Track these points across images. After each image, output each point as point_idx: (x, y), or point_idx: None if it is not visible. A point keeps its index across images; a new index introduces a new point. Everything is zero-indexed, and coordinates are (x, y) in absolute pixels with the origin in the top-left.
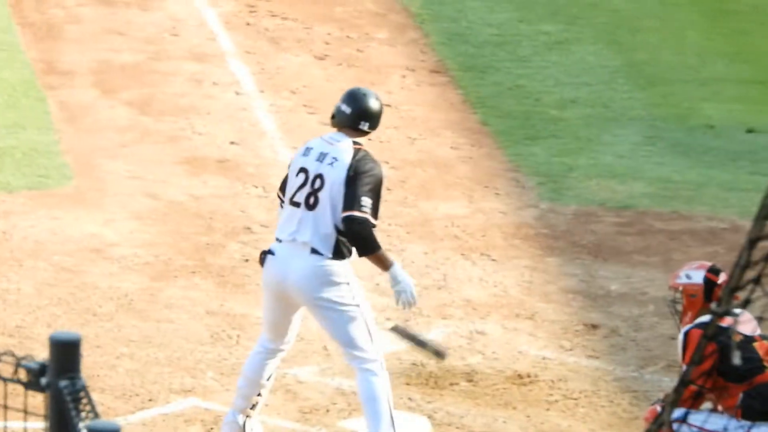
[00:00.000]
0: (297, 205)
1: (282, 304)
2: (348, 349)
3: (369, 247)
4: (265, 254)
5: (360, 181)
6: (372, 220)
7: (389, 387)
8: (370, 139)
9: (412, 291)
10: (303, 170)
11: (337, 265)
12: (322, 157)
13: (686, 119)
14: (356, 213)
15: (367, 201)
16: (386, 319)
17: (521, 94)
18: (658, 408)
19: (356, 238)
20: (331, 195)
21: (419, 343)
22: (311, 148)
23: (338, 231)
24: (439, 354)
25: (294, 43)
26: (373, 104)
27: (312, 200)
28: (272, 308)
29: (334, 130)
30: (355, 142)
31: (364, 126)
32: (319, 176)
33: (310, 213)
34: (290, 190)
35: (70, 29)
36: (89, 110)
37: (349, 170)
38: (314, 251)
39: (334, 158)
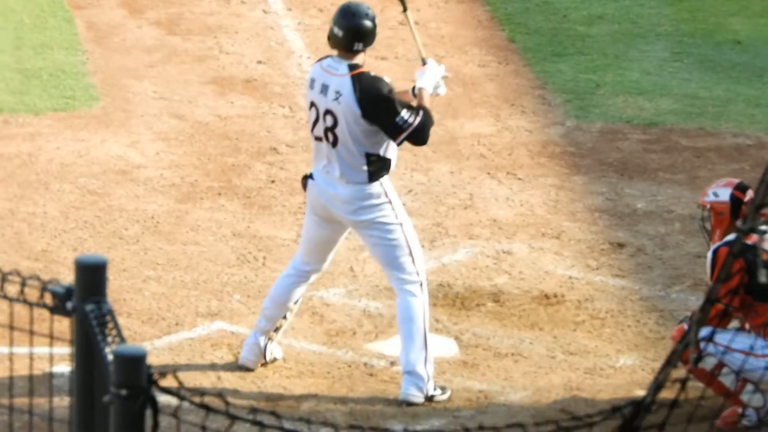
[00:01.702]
0: (319, 139)
1: (329, 225)
2: (389, 269)
3: (428, 136)
4: (306, 179)
5: (382, 106)
6: (418, 122)
7: (427, 309)
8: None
9: (441, 75)
10: (313, 104)
11: (376, 186)
12: (324, 89)
13: (713, 35)
14: (405, 133)
15: (404, 115)
16: None
17: (549, 10)
18: (686, 327)
19: (423, 142)
20: (350, 131)
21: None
22: (314, 79)
23: (368, 156)
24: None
25: None
26: (364, 22)
27: (331, 137)
28: (318, 230)
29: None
30: (351, 66)
31: (359, 46)
32: (329, 112)
33: (334, 150)
34: (309, 123)
35: None
36: (117, 30)
37: (360, 104)
38: (349, 182)
39: (337, 92)
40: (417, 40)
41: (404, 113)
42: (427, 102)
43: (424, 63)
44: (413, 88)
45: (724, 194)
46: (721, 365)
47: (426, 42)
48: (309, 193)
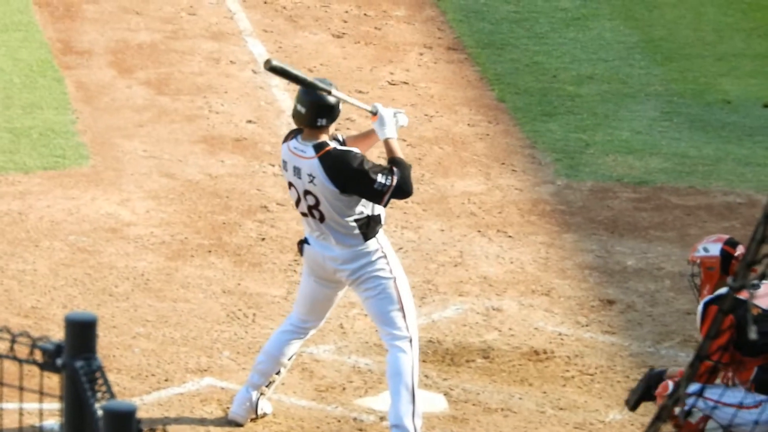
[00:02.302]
0: (305, 215)
1: (329, 284)
2: (381, 324)
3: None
4: (301, 243)
5: (356, 180)
6: (396, 181)
7: (416, 365)
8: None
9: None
10: (291, 185)
11: (372, 244)
12: (298, 172)
13: (703, 95)
14: (387, 195)
15: (380, 180)
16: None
17: (538, 70)
18: (670, 384)
19: (408, 194)
20: (333, 207)
21: (298, 79)
22: (286, 162)
23: (357, 221)
24: (323, 88)
25: (311, 21)
26: (326, 97)
27: (317, 214)
28: (317, 290)
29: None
30: (317, 147)
31: (322, 122)
32: (309, 193)
33: (322, 224)
34: (293, 201)
35: (87, 9)
36: (106, 90)
37: (334, 183)
38: (345, 245)
39: (310, 176)
40: (354, 102)
41: (380, 178)
42: (397, 151)
43: (374, 114)
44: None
45: (714, 249)
46: (705, 418)
47: (415, 102)
48: (306, 257)
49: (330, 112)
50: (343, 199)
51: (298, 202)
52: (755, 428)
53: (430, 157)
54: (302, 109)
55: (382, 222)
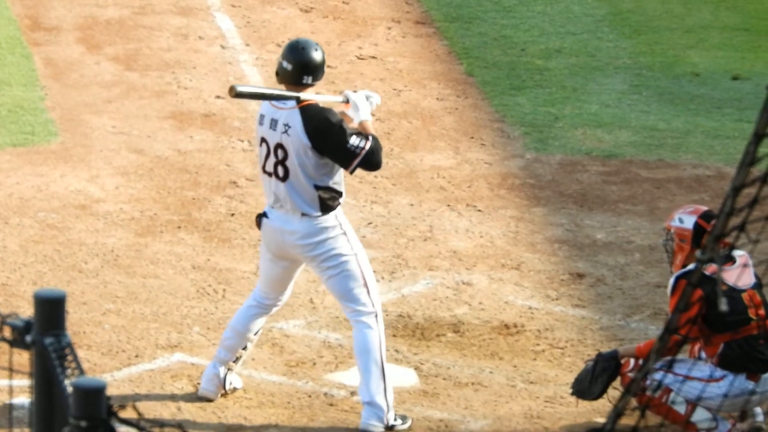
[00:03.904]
0: (269, 174)
1: (283, 262)
2: (345, 302)
3: (381, 160)
4: (260, 217)
5: (331, 136)
6: (369, 146)
7: (383, 340)
8: (355, 89)
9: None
10: (263, 140)
11: (330, 219)
12: (274, 124)
13: (672, 67)
14: (358, 158)
15: (354, 141)
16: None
17: (506, 44)
18: (631, 360)
19: (377, 166)
20: (301, 163)
21: (265, 96)
22: (264, 115)
23: (318, 188)
24: (292, 97)
25: None
26: (314, 56)
27: (282, 171)
28: (272, 267)
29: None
30: (299, 99)
31: (308, 80)
32: (280, 146)
33: (284, 183)
34: (259, 159)
35: None
36: (75, 66)
37: (309, 136)
38: (304, 214)
39: (286, 125)
40: (323, 99)
41: (354, 139)
42: (372, 131)
43: (347, 102)
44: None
45: (689, 221)
46: (668, 390)
47: (384, 76)
48: (263, 231)
49: (316, 71)
50: (312, 157)
51: (265, 161)
52: (724, 401)
53: (399, 132)
54: (288, 66)
55: (342, 197)
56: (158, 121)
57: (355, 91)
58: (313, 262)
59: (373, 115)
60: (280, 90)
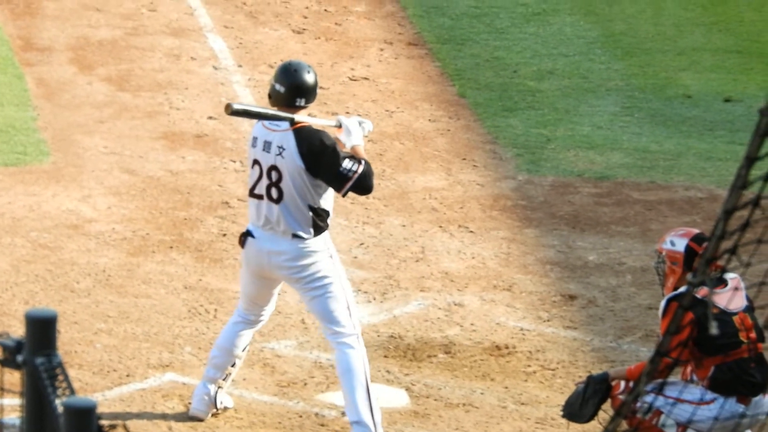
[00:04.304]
0: (259, 197)
1: (263, 280)
2: (326, 324)
3: (372, 184)
4: (244, 236)
5: (325, 159)
6: (362, 170)
7: (366, 360)
8: (348, 112)
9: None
10: (256, 162)
11: (319, 241)
12: (267, 146)
13: (664, 89)
14: (350, 182)
15: (347, 165)
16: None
17: (499, 66)
18: (622, 383)
19: (368, 190)
20: (295, 185)
21: (260, 115)
22: (256, 138)
23: (312, 209)
24: (285, 117)
25: (272, 17)
26: (306, 78)
27: (275, 193)
28: (252, 284)
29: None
30: (293, 121)
31: (301, 102)
32: (274, 168)
33: (277, 206)
34: (249, 181)
35: (47, 5)
36: (67, 86)
37: (303, 158)
38: (295, 236)
39: (280, 147)
40: (316, 122)
41: (347, 163)
42: (364, 156)
43: (339, 126)
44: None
45: (680, 244)
46: (658, 413)
47: (376, 97)
48: (247, 250)
49: (309, 93)
50: (306, 179)
51: (256, 184)
52: (715, 424)
53: (391, 153)
54: (281, 89)
55: (330, 218)
56: (150, 141)
57: (347, 116)
58: (298, 284)
59: (365, 138)
60: (275, 110)
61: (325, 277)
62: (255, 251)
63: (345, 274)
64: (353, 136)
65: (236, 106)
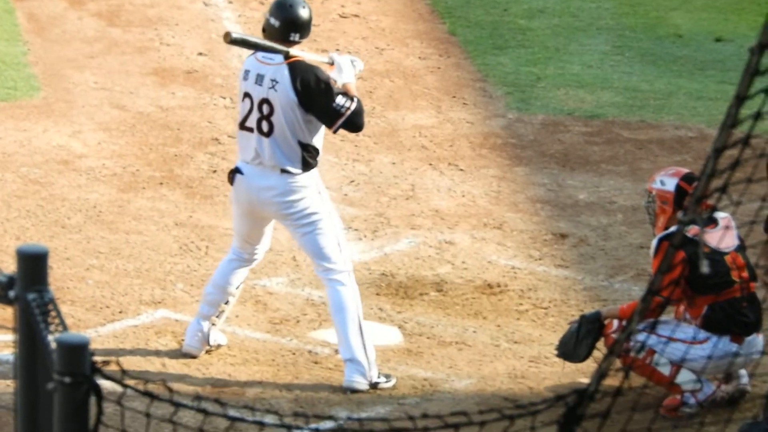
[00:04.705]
0: (250, 130)
1: (254, 218)
2: (317, 260)
3: (363, 122)
4: (233, 173)
5: (318, 93)
6: (354, 107)
7: (358, 297)
8: (338, 50)
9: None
10: (247, 95)
11: (307, 177)
12: (260, 79)
13: (655, 28)
14: (342, 118)
15: (339, 101)
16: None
17: (489, 3)
18: (615, 322)
19: (359, 128)
20: (287, 119)
21: (258, 46)
22: (248, 71)
23: (302, 145)
24: (281, 50)
25: None
26: (301, 13)
27: (266, 126)
28: (243, 222)
29: None
30: (287, 55)
31: (295, 37)
32: (265, 101)
33: (267, 139)
34: (240, 115)
35: None
36: (57, 21)
37: (296, 92)
38: (284, 171)
39: (273, 80)
40: (310, 57)
41: (340, 99)
42: (355, 94)
43: (332, 63)
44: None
45: (670, 184)
46: (651, 352)
47: (366, 35)
48: (236, 187)
49: (303, 28)
50: (298, 113)
51: (247, 117)
52: (708, 363)
53: (381, 90)
54: (275, 23)
55: (319, 156)
56: (140, 77)
57: (339, 54)
58: (287, 220)
59: (356, 76)
60: (271, 43)
61: (314, 213)
62: (244, 188)
63: (335, 211)
64: (345, 73)
65: (235, 35)
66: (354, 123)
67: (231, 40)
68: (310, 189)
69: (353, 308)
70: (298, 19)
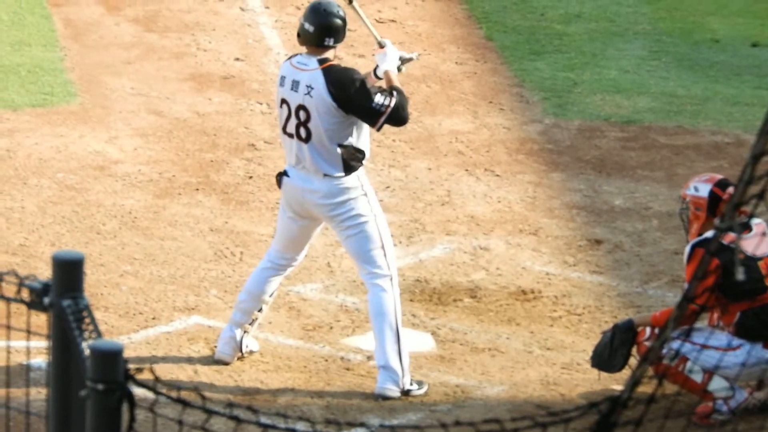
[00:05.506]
0: (291, 136)
1: (303, 221)
2: (361, 263)
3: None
4: (280, 176)
5: (355, 95)
6: (394, 103)
7: (399, 305)
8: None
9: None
10: (284, 101)
11: (352, 179)
12: (295, 85)
13: (691, 33)
14: (383, 116)
15: (378, 99)
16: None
17: (526, 8)
18: (647, 330)
19: (404, 122)
20: (323, 124)
21: (365, 22)
22: (284, 77)
23: (342, 147)
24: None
25: None
26: (336, 18)
27: (304, 132)
28: (291, 225)
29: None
30: (321, 60)
31: (329, 42)
32: (302, 107)
33: (307, 144)
34: (280, 120)
35: None
36: (94, 27)
37: (333, 96)
38: (326, 175)
39: (308, 87)
40: (369, 26)
41: (378, 97)
42: (396, 82)
43: (381, 46)
44: (375, 69)
45: (704, 190)
46: (684, 359)
47: (403, 40)
48: (284, 190)
49: (338, 33)
50: (336, 116)
51: (286, 122)
52: (741, 370)
53: (418, 96)
54: (310, 28)
55: (366, 158)
56: (177, 82)
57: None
58: (333, 222)
59: (399, 69)
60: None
61: (359, 215)
62: (291, 190)
63: (383, 215)
64: (388, 60)
65: (355, 2)
66: (397, 118)
67: (350, 1)
68: (356, 191)
69: (392, 315)
70: (332, 23)
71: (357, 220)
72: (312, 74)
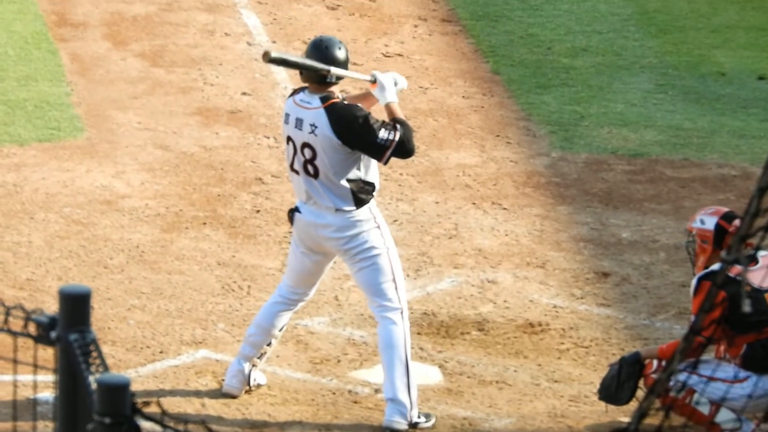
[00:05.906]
0: (297, 172)
1: (316, 256)
2: (372, 296)
3: (413, 147)
4: (292, 212)
5: (359, 131)
6: (398, 137)
7: (409, 338)
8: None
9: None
10: (289, 139)
11: (364, 212)
12: (299, 123)
13: (698, 67)
14: (389, 150)
15: (383, 135)
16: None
17: (533, 42)
18: (654, 362)
19: (410, 153)
20: (330, 161)
21: (298, 65)
22: (288, 114)
23: (350, 181)
24: (322, 69)
25: None
26: (337, 54)
27: (311, 169)
28: (304, 261)
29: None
30: (323, 98)
31: (331, 78)
32: (307, 145)
33: (315, 181)
34: (287, 157)
35: None
36: (101, 62)
37: (336, 134)
38: (338, 209)
39: (312, 125)
40: (352, 76)
41: (383, 132)
42: (399, 113)
43: (373, 81)
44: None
45: (710, 223)
46: (691, 391)
47: (410, 74)
48: (296, 226)
49: (340, 68)
50: (342, 152)
51: (293, 160)
52: (748, 402)
53: (425, 130)
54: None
55: (376, 191)
56: (184, 117)
57: (382, 73)
58: (346, 255)
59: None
60: (312, 62)
61: (372, 248)
62: (303, 226)
63: (395, 247)
64: (387, 92)
65: (274, 54)
66: (403, 150)
67: (270, 59)
68: (369, 223)
69: (401, 348)
70: (334, 59)
71: (370, 253)
72: (315, 113)
